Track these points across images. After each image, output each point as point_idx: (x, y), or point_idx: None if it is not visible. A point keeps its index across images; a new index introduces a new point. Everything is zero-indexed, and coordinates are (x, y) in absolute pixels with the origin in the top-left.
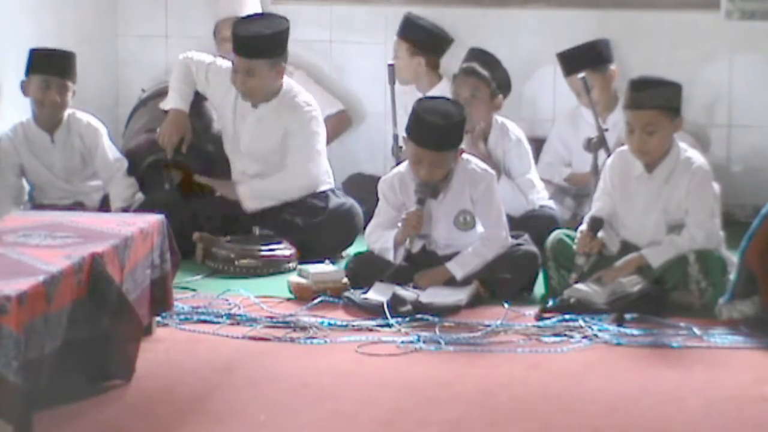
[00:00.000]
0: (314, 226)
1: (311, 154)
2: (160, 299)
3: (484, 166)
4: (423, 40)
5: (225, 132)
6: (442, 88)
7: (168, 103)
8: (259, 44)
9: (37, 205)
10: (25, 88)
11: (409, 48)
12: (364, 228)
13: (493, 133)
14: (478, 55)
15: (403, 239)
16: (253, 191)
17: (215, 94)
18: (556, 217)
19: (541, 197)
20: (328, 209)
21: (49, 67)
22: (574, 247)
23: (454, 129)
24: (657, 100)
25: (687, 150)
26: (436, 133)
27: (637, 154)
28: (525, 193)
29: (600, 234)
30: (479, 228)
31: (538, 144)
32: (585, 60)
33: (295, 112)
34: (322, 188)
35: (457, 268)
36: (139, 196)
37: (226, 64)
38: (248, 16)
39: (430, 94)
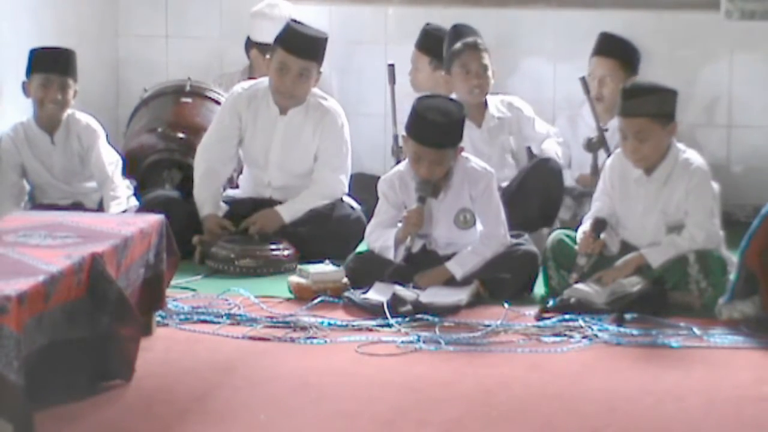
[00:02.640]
0: (317, 235)
1: (340, 165)
2: (152, 299)
3: (482, 164)
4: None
5: (251, 146)
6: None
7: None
8: (315, 47)
9: (37, 205)
10: (26, 89)
11: (431, 61)
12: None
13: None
14: (464, 29)
15: (404, 237)
16: (285, 213)
17: (258, 118)
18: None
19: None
20: (333, 218)
21: (50, 65)
22: (576, 247)
23: (454, 127)
24: (647, 108)
25: (685, 151)
26: (436, 130)
27: (631, 160)
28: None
29: (602, 235)
30: (479, 227)
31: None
32: (622, 52)
33: (325, 119)
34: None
35: (456, 267)
36: (133, 202)
37: (243, 91)
38: (297, 21)
39: None
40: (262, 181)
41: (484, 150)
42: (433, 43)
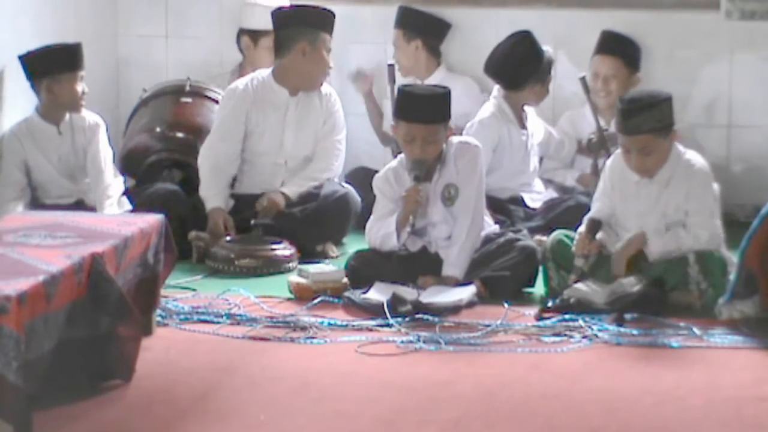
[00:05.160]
0: (308, 213)
1: (339, 145)
2: (149, 298)
3: (471, 139)
4: (417, 23)
5: (263, 135)
6: (441, 77)
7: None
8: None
9: (38, 205)
10: (48, 89)
11: (405, 34)
12: (364, 220)
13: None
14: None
15: (406, 218)
16: (290, 191)
17: (264, 109)
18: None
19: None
20: (322, 196)
21: (78, 61)
22: (573, 248)
23: (440, 101)
24: (648, 125)
25: (686, 152)
26: (422, 104)
27: (636, 172)
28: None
29: (599, 235)
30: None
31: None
32: (626, 50)
33: (327, 98)
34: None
35: (453, 270)
36: (126, 204)
37: (246, 85)
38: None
39: (429, 81)
40: (275, 165)
41: (526, 150)
42: (406, 16)
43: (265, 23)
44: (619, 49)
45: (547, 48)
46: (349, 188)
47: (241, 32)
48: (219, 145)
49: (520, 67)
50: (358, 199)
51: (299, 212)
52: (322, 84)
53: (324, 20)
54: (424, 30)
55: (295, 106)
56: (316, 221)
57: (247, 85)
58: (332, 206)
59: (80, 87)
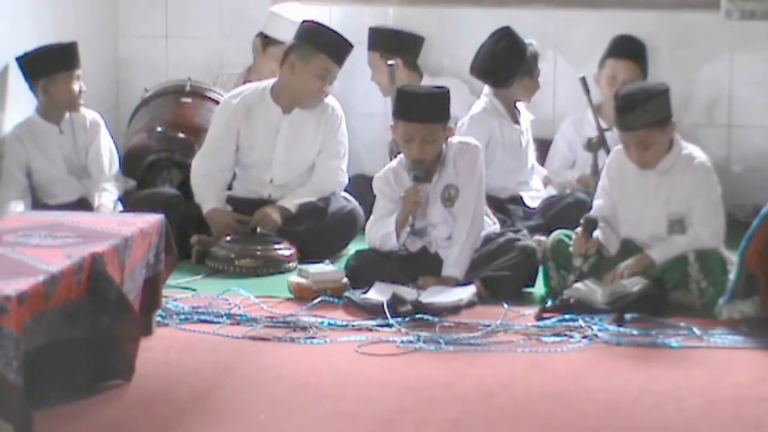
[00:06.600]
0: (315, 229)
1: (341, 155)
2: (151, 298)
3: (471, 139)
4: (392, 43)
5: (252, 150)
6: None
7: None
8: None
9: (40, 206)
10: (44, 89)
11: (382, 55)
12: (364, 223)
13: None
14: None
15: (405, 218)
16: (289, 206)
17: (258, 123)
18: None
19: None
20: (329, 212)
21: (75, 60)
22: (570, 248)
23: (438, 100)
24: (645, 119)
25: (687, 147)
26: (421, 104)
27: (636, 165)
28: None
29: (596, 234)
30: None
31: (538, 144)
32: (641, 53)
33: (326, 113)
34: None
35: (453, 270)
36: (119, 208)
37: (236, 99)
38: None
39: None
40: (262, 180)
41: (521, 145)
42: (378, 38)
43: (283, 35)
44: (635, 52)
45: (531, 41)
46: (355, 203)
47: (261, 35)
48: (210, 159)
49: (504, 63)
50: (362, 213)
51: (306, 229)
52: (314, 106)
53: (330, 45)
54: (400, 48)
55: (288, 124)
56: (321, 237)
57: (242, 98)
58: (339, 223)
59: (77, 86)
